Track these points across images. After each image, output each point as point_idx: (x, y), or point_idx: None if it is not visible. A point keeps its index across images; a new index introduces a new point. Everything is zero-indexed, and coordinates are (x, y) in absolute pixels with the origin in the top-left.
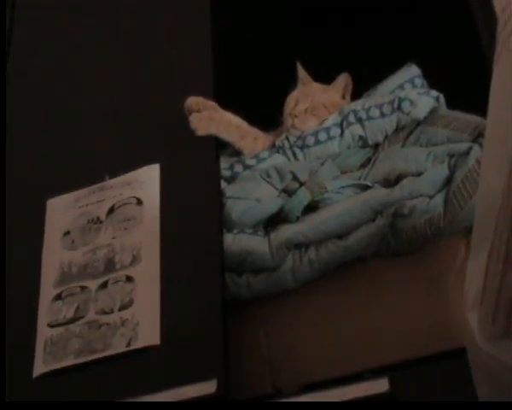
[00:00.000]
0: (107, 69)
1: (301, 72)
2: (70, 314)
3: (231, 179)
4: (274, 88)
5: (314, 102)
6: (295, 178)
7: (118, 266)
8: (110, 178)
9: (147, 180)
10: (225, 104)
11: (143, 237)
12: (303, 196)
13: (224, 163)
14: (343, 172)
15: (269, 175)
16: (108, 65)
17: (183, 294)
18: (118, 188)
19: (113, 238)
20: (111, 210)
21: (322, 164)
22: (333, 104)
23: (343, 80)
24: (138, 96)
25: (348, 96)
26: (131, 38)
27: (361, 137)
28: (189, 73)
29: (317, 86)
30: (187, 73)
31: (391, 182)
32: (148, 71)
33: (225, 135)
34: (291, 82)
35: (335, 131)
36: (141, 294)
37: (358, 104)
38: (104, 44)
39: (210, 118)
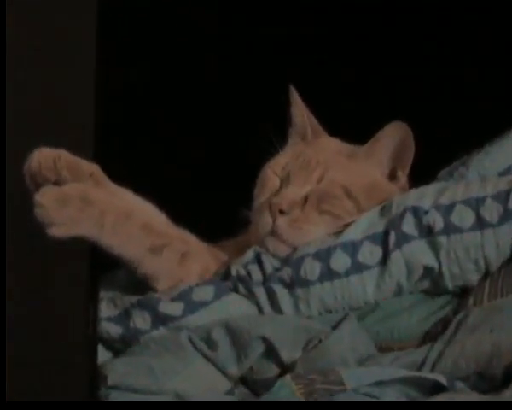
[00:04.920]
0: None
1: (299, 110)
2: None
3: (124, 345)
4: (233, 141)
5: (326, 182)
6: (272, 352)
7: None
8: None
9: None
10: (118, 170)
11: None
12: (286, 397)
13: (110, 306)
14: (383, 349)
15: (211, 342)
16: None
17: None
18: None
19: None
20: None
21: (337, 327)
22: (368, 189)
23: (393, 137)
24: None
25: (404, 174)
26: None
27: (429, 271)
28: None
29: (333, 145)
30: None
31: (494, 378)
32: None
33: (117, 241)
34: (272, 133)
35: (371, 254)
36: None
37: (427, 195)
38: None
39: (83, 198)
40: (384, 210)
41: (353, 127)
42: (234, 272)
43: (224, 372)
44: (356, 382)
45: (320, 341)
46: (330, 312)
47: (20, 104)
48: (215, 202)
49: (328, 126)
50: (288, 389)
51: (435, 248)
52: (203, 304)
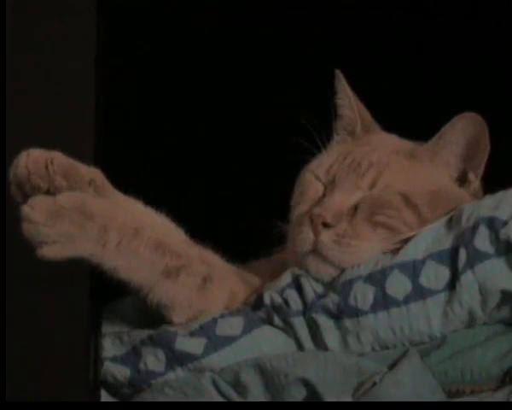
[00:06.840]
0: None
1: (347, 99)
2: None
3: (133, 390)
4: (261, 144)
5: (380, 188)
6: (314, 398)
7: None
8: None
9: None
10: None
11: None
12: None
13: (115, 343)
14: (452, 393)
15: (240, 387)
16: None
17: None
18: None
19: None
20: None
21: (394, 367)
22: (432, 196)
23: (463, 132)
24: None
25: (476, 178)
26: None
27: (508, 297)
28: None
29: (388, 142)
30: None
31: None
32: None
33: (123, 262)
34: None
35: (436, 276)
36: None
37: (505, 202)
38: None
39: (82, 211)
40: (452, 222)
41: (412, 120)
42: (267, 300)
43: None
44: None
45: (374, 384)
46: (386, 348)
47: (14, 100)
48: (243, 214)
49: (381, 120)
50: None
51: None
52: (229, 340)
